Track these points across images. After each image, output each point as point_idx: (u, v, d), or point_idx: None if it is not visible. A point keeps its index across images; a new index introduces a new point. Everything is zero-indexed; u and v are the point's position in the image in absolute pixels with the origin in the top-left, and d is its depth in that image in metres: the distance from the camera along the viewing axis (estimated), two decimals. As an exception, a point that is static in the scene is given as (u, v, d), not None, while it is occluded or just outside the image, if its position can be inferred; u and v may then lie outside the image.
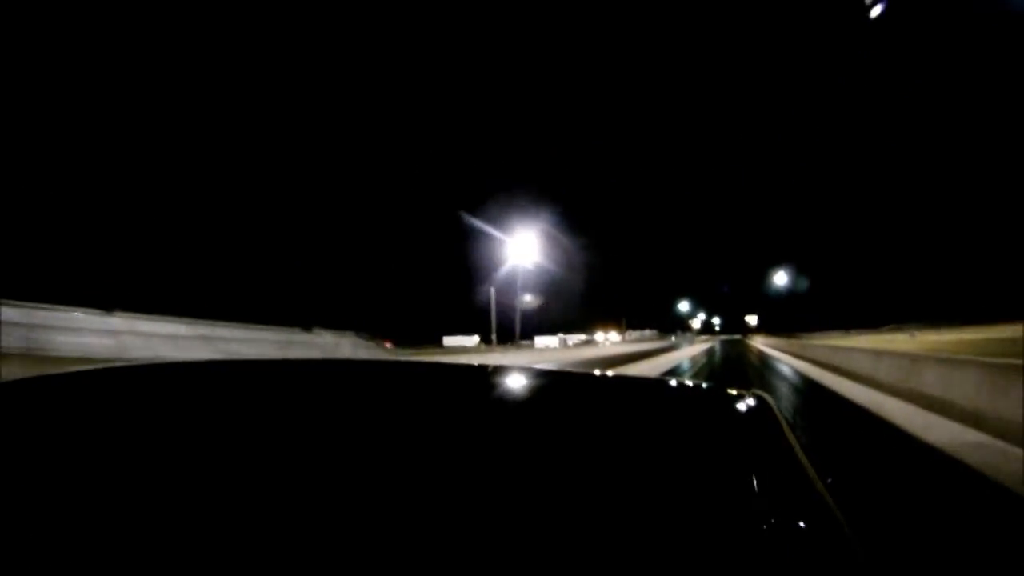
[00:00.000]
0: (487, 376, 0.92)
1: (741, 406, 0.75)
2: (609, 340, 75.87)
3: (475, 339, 60.52)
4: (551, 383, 0.93)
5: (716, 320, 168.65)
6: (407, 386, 0.85)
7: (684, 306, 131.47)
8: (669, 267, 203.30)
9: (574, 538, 0.40)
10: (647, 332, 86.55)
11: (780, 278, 75.61)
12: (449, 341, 64.62)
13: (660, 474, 0.52)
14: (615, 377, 1.05)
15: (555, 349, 50.76)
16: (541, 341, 61.78)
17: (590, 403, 0.80)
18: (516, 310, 36.21)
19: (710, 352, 37.06)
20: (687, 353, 34.66)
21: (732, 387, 0.83)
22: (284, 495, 0.45)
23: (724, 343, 66.80)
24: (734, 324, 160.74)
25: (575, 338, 67.62)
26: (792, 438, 0.65)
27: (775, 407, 0.76)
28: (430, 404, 0.75)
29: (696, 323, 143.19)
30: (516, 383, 0.91)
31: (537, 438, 0.61)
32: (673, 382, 1.08)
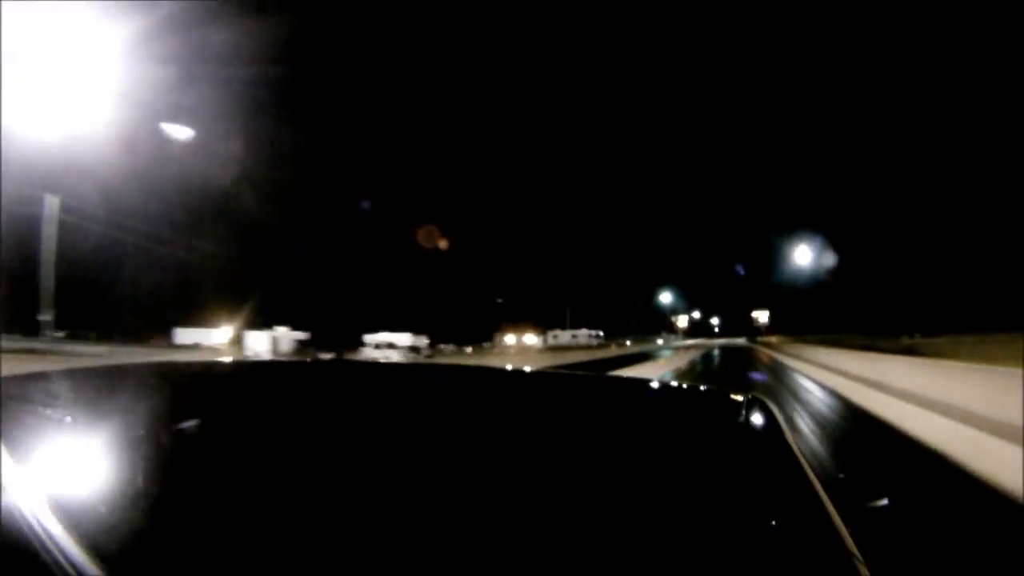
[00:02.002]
0: (479, 378, 0.98)
1: (740, 409, 0.75)
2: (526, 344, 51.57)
3: (224, 333, 33.50)
4: (552, 384, 0.97)
5: (715, 320, 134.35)
6: (400, 387, 0.89)
7: (667, 299, 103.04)
8: (641, 244, 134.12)
9: (571, 544, 0.40)
10: (582, 333, 59.59)
11: (803, 255, 48.09)
12: (183, 337, 35.31)
13: (658, 477, 0.52)
14: (615, 379, 1.12)
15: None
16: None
17: (588, 405, 0.81)
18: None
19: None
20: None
21: (732, 390, 0.83)
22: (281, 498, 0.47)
23: (724, 356, 33.05)
24: (736, 323, 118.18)
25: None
26: (792, 441, 0.64)
27: (774, 410, 0.76)
28: (423, 406, 0.77)
29: (683, 321, 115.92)
30: (514, 385, 0.95)
31: (536, 442, 0.61)
32: (673, 384, 1.09)
